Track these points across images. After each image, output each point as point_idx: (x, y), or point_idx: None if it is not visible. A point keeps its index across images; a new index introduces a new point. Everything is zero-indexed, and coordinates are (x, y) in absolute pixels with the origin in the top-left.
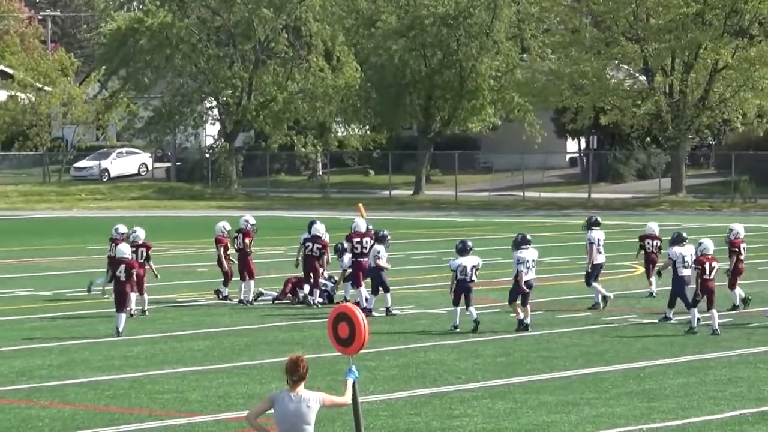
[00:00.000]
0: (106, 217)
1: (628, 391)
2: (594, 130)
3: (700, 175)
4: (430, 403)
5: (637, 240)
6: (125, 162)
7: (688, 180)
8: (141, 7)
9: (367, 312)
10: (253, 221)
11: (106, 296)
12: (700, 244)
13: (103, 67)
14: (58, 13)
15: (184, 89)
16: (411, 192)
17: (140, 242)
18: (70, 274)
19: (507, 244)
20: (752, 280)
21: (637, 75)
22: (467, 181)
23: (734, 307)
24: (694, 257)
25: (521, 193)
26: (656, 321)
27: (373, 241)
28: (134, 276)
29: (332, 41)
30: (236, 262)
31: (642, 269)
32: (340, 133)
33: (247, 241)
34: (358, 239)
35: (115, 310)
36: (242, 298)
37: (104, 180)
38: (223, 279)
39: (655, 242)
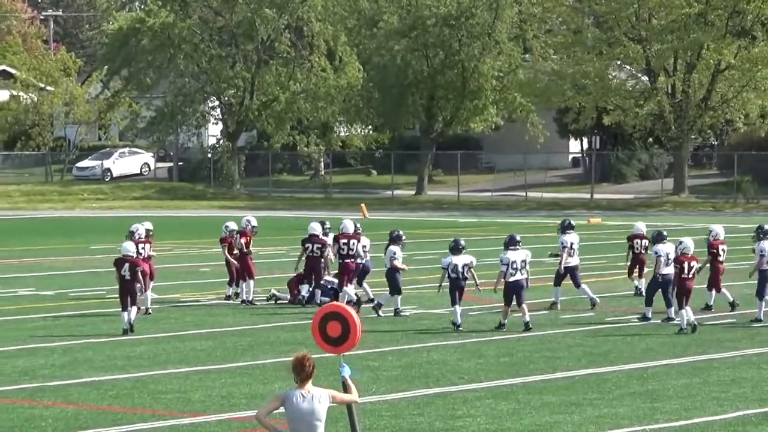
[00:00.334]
0: (109, 217)
1: (632, 392)
2: (596, 131)
3: (702, 175)
4: (433, 403)
5: (626, 240)
6: (127, 162)
7: (690, 180)
8: (143, 7)
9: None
10: (254, 222)
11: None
12: (681, 243)
13: (105, 66)
14: (60, 13)
15: (187, 89)
16: (413, 192)
17: (143, 239)
18: (72, 273)
19: None
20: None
21: (639, 75)
22: (469, 181)
23: (707, 307)
24: (674, 256)
25: (524, 194)
26: (659, 321)
27: (358, 243)
28: (139, 274)
29: (334, 41)
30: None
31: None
32: (342, 133)
33: (243, 241)
34: (345, 240)
35: (121, 309)
36: (244, 298)
37: (107, 180)
38: (228, 279)
39: (643, 242)
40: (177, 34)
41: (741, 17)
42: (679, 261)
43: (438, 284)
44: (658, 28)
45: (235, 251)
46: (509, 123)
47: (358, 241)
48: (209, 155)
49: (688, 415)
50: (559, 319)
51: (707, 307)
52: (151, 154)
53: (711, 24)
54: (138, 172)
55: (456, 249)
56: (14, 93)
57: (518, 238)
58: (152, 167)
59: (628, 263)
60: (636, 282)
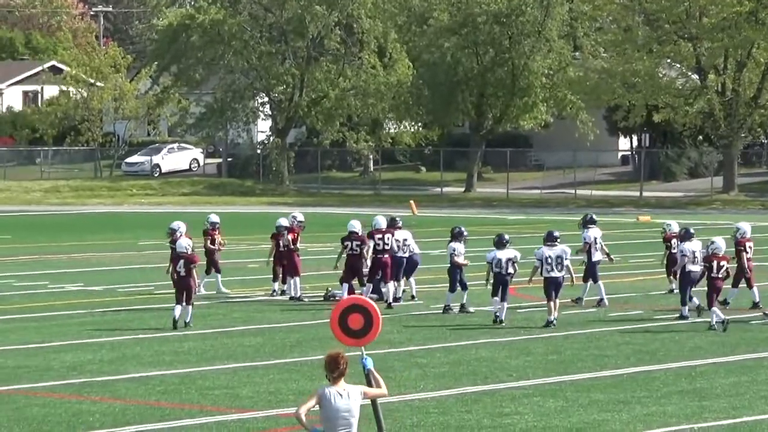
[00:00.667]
0: (157, 213)
1: (680, 390)
2: (646, 128)
3: (752, 173)
4: (480, 400)
5: (662, 241)
6: (176, 157)
7: (740, 178)
8: (193, 3)
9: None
10: (300, 218)
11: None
12: (712, 242)
13: (155, 62)
14: (111, 9)
15: (236, 85)
16: (462, 189)
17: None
18: (121, 269)
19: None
20: None
21: (689, 73)
22: (519, 178)
23: (755, 305)
24: (704, 255)
25: (572, 191)
26: (709, 320)
27: (392, 237)
28: (194, 270)
29: (384, 38)
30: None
31: None
32: (392, 130)
33: (290, 237)
34: (380, 236)
35: (175, 302)
36: (292, 294)
37: (155, 175)
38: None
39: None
40: (227, 31)
41: None
42: (708, 260)
43: (485, 279)
44: (709, 26)
45: (281, 248)
46: (559, 120)
47: (391, 236)
48: (258, 151)
49: (737, 414)
50: (608, 316)
51: (755, 305)
52: (201, 150)
53: (762, 22)
54: (187, 167)
55: (500, 243)
56: (64, 88)
57: (557, 234)
58: (201, 163)
59: (665, 261)
60: (673, 284)
